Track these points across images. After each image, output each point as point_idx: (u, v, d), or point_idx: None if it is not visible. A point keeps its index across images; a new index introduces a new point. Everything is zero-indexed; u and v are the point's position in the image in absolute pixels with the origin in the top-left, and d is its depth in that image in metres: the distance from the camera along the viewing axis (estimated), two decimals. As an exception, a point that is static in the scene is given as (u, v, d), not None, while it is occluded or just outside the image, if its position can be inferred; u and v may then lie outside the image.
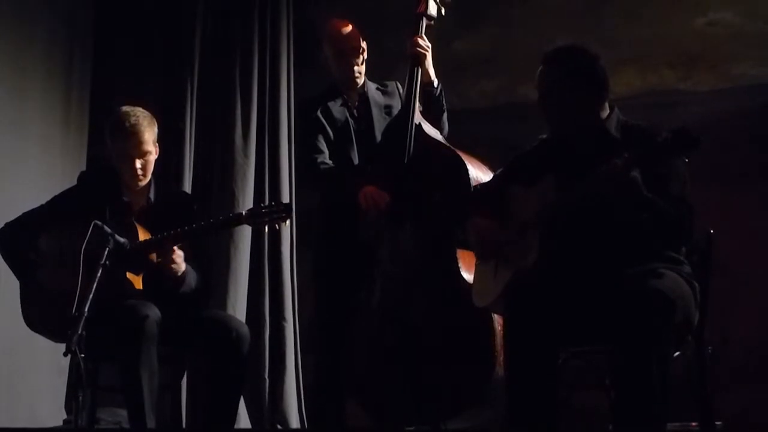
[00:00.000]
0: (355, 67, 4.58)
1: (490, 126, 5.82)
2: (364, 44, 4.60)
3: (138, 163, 4.18)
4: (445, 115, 4.61)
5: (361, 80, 4.63)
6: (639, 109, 4.98)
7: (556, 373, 3.47)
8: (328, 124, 4.55)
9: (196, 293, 4.20)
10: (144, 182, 4.25)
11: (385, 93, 4.69)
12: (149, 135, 4.21)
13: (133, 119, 4.18)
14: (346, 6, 5.89)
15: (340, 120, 4.57)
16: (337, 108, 4.58)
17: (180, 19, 6.00)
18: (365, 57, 4.62)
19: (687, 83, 5.65)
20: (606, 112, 3.64)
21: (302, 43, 6.04)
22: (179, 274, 4.10)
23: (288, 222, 4.14)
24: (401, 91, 4.66)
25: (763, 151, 5.36)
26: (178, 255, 4.07)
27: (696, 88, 5.63)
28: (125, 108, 4.25)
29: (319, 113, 4.55)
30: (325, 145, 4.52)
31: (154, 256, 4.08)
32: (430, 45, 4.51)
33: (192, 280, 4.18)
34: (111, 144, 4.24)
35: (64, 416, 5.29)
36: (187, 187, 5.72)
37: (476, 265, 3.91)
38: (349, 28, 4.60)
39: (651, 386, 3.21)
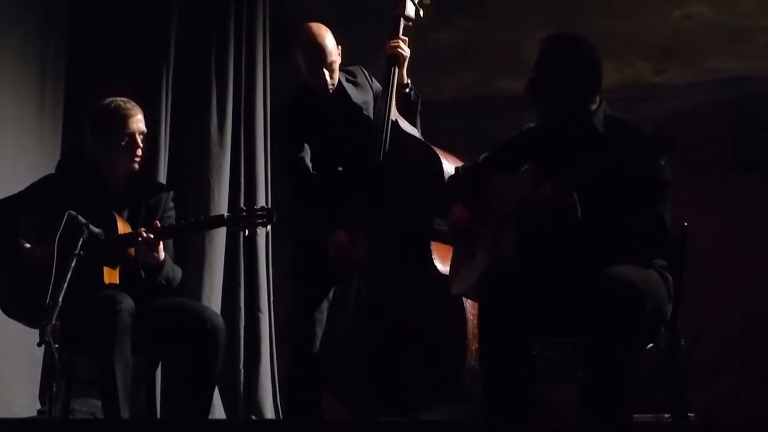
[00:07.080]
0: (329, 80, 4.45)
1: (467, 118, 5.81)
2: (338, 50, 4.45)
3: (139, 151, 4.23)
4: (418, 116, 4.60)
5: (334, 83, 4.53)
6: (615, 103, 4.97)
7: (530, 363, 3.48)
8: (309, 125, 4.49)
9: (171, 284, 4.21)
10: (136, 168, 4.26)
11: (356, 85, 4.63)
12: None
13: (130, 110, 4.23)
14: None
15: (321, 120, 4.51)
16: (315, 108, 4.52)
17: (155, 8, 5.96)
18: (340, 61, 4.49)
19: (662, 77, 5.66)
20: (595, 105, 3.64)
21: (279, 32, 6.01)
22: (159, 261, 4.09)
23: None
24: (368, 77, 4.64)
25: (738, 145, 5.39)
26: (160, 243, 4.07)
27: (671, 81, 5.64)
28: (118, 99, 4.26)
29: (298, 115, 4.50)
30: (307, 149, 4.46)
31: (132, 251, 4.07)
32: (409, 51, 4.50)
33: (170, 270, 4.18)
34: (105, 135, 4.21)
35: (38, 407, 5.27)
36: (162, 177, 5.69)
37: (453, 252, 3.92)
38: (326, 39, 4.40)
39: (619, 376, 3.23)
